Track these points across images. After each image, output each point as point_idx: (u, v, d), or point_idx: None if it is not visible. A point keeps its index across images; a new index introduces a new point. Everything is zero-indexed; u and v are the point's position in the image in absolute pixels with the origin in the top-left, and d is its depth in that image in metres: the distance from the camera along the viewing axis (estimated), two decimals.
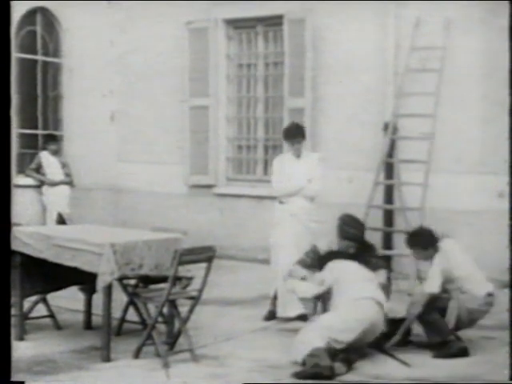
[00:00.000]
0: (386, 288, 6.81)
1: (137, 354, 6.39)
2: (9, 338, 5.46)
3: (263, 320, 7.83)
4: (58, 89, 12.16)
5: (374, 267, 6.76)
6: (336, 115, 10.85)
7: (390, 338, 6.67)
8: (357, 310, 6.26)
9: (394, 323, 6.70)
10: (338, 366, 5.95)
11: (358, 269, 6.60)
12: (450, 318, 6.62)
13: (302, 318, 7.24)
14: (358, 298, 6.31)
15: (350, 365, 6.05)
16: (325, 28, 10.83)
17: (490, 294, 6.82)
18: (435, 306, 6.65)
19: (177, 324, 6.57)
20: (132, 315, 7.17)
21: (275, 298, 7.86)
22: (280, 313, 7.77)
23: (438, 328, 6.61)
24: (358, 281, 6.45)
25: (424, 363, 6.39)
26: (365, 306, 6.29)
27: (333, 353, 6.02)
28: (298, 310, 7.49)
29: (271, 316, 7.87)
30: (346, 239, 6.85)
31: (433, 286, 6.68)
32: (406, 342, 6.79)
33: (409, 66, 10.27)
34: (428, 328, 6.67)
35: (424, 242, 6.93)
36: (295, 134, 8.01)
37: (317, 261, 6.84)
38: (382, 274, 6.80)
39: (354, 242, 6.86)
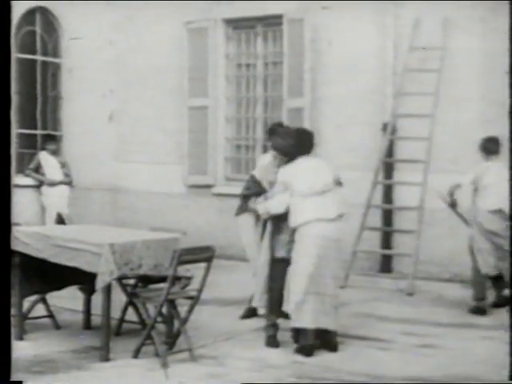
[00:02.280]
0: None
1: (136, 354, 6.39)
2: (9, 338, 5.46)
3: (241, 318, 7.85)
4: (57, 89, 12.16)
5: None
6: (335, 115, 10.85)
7: None
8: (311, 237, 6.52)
9: None
10: None
11: (311, 166, 6.72)
12: None
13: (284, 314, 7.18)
14: (304, 222, 6.51)
15: None
16: (324, 28, 10.83)
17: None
18: None
19: (176, 324, 6.57)
20: (131, 315, 7.17)
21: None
22: (260, 310, 7.74)
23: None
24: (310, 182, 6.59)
25: (424, 363, 6.39)
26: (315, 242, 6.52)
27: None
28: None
29: (250, 314, 7.88)
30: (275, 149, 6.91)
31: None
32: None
33: (408, 66, 10.28)
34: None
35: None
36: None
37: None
38: None
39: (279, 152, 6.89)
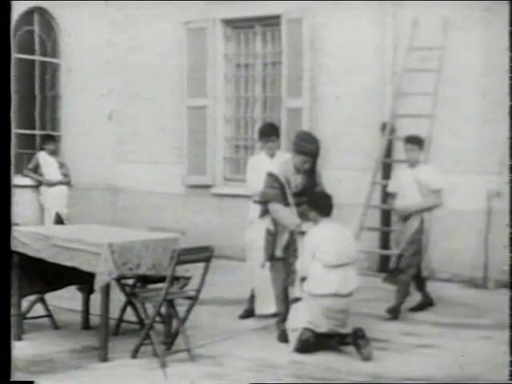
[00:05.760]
0: None
1: (134, 354, 6.39)
2: (9, 338, 5.45)
3: (239, 318, 7.86)
4: (56, 89, 12.16)
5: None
6: (334, 115, 10.85)
7: None
8: (321, 307, 6.51)
9: None
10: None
11: (337, 233, 6.68)
12: None
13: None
14: (321, 295, 6.49)
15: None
16: (323, 28, 10.83)
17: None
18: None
19: (175, 324, 6.57)
20: (130, 315, 7.17)
21: (252, 296, 7.88)
22: (257, 310, 7.76)
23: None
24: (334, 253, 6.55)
25: (423, 363, 6.39)
26: (329, 303, 6.51)
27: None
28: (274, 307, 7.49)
29: (248, 314, 7.90)
30: (301, 154, 6.80)
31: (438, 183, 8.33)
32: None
33: (407, 66, 10.28)
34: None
35: (421, 142, 8.53)
36: (269, 132, 7.95)
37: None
38: None
39: (309, 157, 6.81)
